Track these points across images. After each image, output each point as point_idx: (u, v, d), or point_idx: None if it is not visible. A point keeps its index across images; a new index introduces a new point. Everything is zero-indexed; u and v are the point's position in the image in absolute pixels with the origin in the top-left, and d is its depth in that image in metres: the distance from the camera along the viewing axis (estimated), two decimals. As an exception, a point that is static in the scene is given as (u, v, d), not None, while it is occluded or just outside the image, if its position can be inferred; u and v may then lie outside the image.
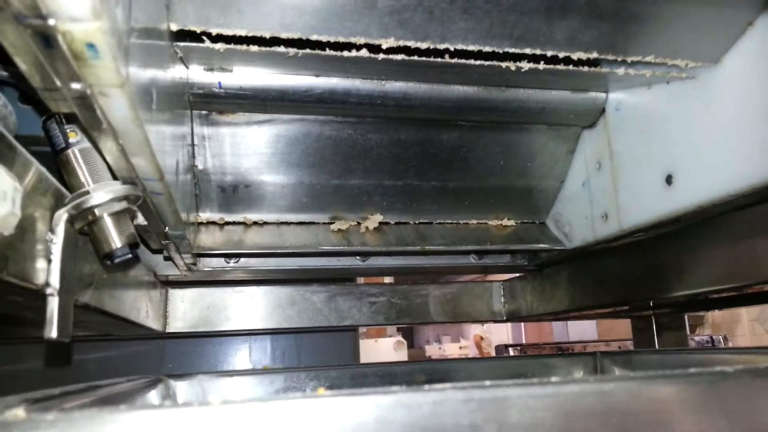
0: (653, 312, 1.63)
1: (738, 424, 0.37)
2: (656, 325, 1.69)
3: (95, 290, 0.75)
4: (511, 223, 1.17)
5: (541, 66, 0.76)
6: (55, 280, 0.55)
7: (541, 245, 1.13)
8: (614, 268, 1.15)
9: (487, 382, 0.35)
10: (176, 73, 0.73)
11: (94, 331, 1.07)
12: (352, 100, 0.85)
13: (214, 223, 1.05)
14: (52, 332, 0.55)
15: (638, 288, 1.10)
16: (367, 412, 0.33)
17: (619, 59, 0.76)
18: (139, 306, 1.06)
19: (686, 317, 1.75)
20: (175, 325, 1.36)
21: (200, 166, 0.95)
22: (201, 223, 1.05)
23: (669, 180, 0.85)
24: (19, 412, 0.31)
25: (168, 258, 1.09)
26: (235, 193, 1.01)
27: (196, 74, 0.80)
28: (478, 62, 0.74)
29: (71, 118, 0.59)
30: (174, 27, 0.63)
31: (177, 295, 1.37)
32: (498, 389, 0.34)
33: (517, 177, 1.09)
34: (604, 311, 1.50)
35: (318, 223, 1.08)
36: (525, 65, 0.75)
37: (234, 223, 1.05)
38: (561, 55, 0.73)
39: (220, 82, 0.80)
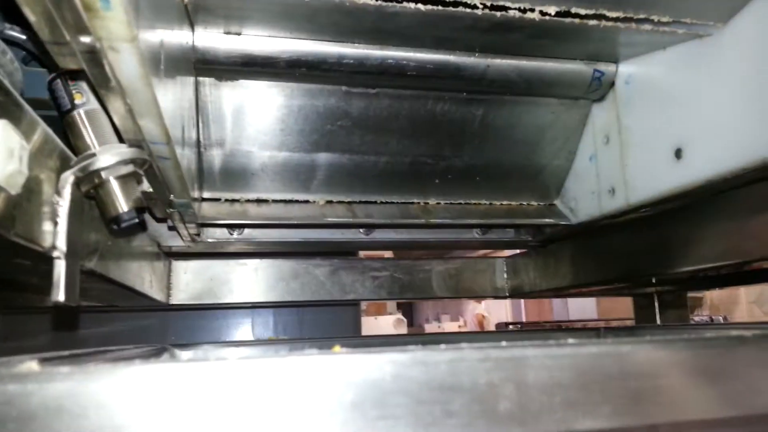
0: (656, 290, 1.63)
1: (756, 387, 0.36)
2: (658, 303, 1.69)
3: (100, 257, 0.75)
4: (518, 204, 1.16)
5: (550, 16, 0.74)
6: (61, 243, 0.55)
7: (546, 220, 1.13)
8: (619, 243, 1.15)
9: (504, 342, 0.34)
10: (182, 37, 0.72)
11: (97, 300, 1.07)
12: (370, 69, 0.84)
13: (217, 199, 1.04)
14: (60, 295, 0.54)
15: (642, 264, 1.10)
16: (384, 368, 0.33)
17: (626, 15, 0.75)
18: (142, 276, 1.06)
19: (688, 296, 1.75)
20: (178, 297, 1.36)
21: (204, 140, 0.94)
22: (205, 198, 1.04)
23: (678, 154, 0.85)
24: (33, 365, 0.31)
25: (172, 228, 1.09)
26: (240, 170, 1.00)
27: (203, 38, 0.78)
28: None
29: (77, 78, 0.58)
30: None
31: (180, 266, 1.37)
32: (515, 349, 0.34)
33: (527, 157, 1.08)
34: (607, 288, 1.50)
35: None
36: (535, 16, 0.73)
37: (238, 200, 1.04)
38: (571, 10, 0.72)
39: (229, 48, 0.78)
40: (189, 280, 1.38)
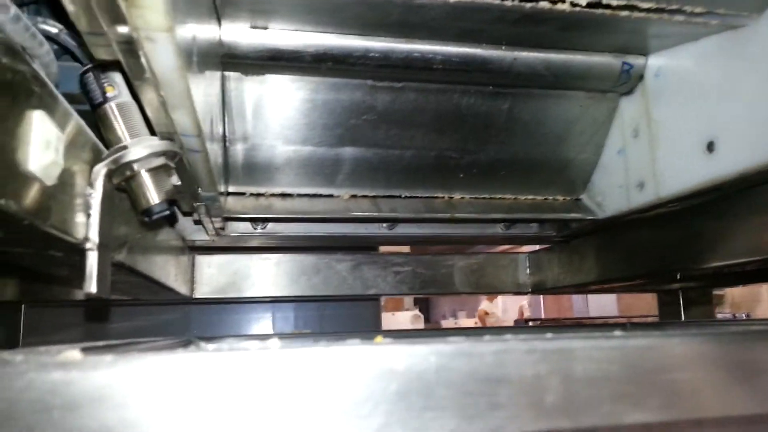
0: (680, 286, 1.61)
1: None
2: (683, 300, 1.67)
3: (129, 250, 0.76)
4: (544, 198, 1.15)
5: (581, 7, 0.72)
6: (94, 235, 0.55)
7: (573, 215, 1.11)
8: (645, 239, 1.14)
9: (549, 334, 0.34)
10: (211, 31, 0.72)
11: (123, 294, 1.08)
12: (395, 63, 0.83)
13: (242, 193, 1.04)
14: (92, 287, 0.55)
15: (670, 259, 1.08)
16: (428, 359, 0.32)
17: (658, 6, 0.73)
18: (168, 269, 1.07)
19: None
20: (202, 290, 1.37)
21: (229, 134, 0.94)
22: (230, 193, 1.04)
23: (710, 147, 0.83)
24: (76, 354, 0.31)
25: (198, 222, 1.10)
26: (265, 164, 1.00)
27: (229, 32, 0.78)
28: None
29: (109, 71, 0.59)
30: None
31: (204, 261, 1.38)
32: (561, 341, 0.33)
33: (554, 151, 1.06)
34: (632, 284, 1.48)
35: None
36: (565, 7, 0.72)
37: (263, 194, 1.04)
38: (602, 1, 0.71)
39: (256, 43, 0.78)
40: (212, 274, 1.39)
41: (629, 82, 0.96)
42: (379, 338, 0.34)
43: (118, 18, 0.37)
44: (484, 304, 7.33)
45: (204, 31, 0.63)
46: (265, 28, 0.80)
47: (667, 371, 0.35)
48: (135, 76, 0.44)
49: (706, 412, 0.35)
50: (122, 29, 0.38)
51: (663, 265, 1.10)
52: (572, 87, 0.97)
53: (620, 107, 1.02)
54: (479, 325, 6.90)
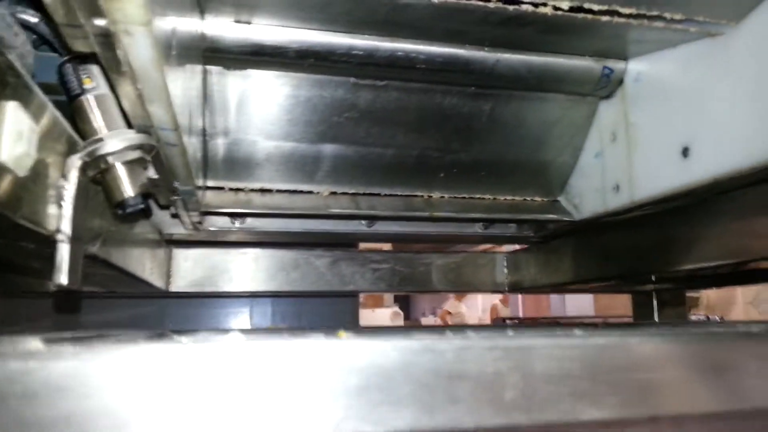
0: (654, 287, 1.64)
1: (762, 381, 0.36)
2: (657, 301, 1.69)
3: (103, 243, 0.75)
4: (522, 199, 1.16)
5: (563, 11, 0.73)
6: (66, 227, 0.54)
7: (550, 216, 1.13)
8: (620, 240, 1.15)
9: (510, 332, 0.34)
10: (193, 24, 0.71)
11: (97, 286, 1.07)
12: (379, 61, 0.83)
13: (221, 188, 1.03)
14: (62, 278, 0.54)
15: (644, 261, 1.10)
16: (390, 355, 0.32)
17: (639, 12, 0.74)
18: (143, 262, 1.06)
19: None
20: (178, 284, 1.36)
21: (210, 128, 0.94)
22: (209, 187, 1.03)
23: (685, 152, 0.84)
24: (38, 343, 0.31)
25: (175, 215, 1.09)
26: (245, 159, 0.99)
27: (212, 26, 0.78)
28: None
29: (87, 63, 0.58)
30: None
31: (180, 254, 1.37)
32: (523, 338, 0.34)
33: (533, 152, 1.07)
34: (607, 285, 1.50)
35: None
36: (548, 10, 0.73)
37: (242, 189, 1.04)
38: (584, 5, 0.72)
39: (238, 37, 0.78)
40: (189, 268, 1.38)
41: (609, 86, 0.97)
42: (341, 333, 0.35)
43: (96, 11, 0.37)
44: (449, 304, 7.21)
45: (185, 24, 0.63)
46: (249, 22, 0.79)
47: (626, 370, 0.35)
48: (112, 68, 0.44)
49: (664, 409, 0.35)
50: (100, 22, 0.38)
51: (637, 266, 1.12)
52: (553, 89, 0.98)
53: (599, 111, 1.03)
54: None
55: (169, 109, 0.53)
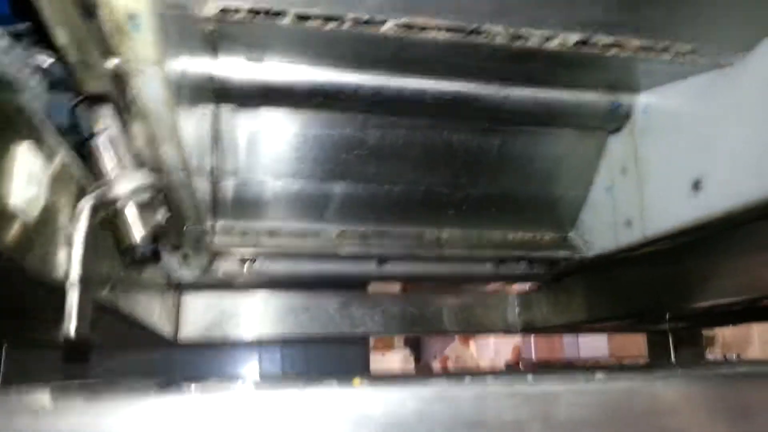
0: (669, 326, 1.61)
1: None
2: (673, 340, 1.66)
3: (111, 288, 0.74)
4: (532, 235, 1.15)
5: (569, 47, 0.74)
6: (75, 272, 0.54)
7: (560, 252, 1.11)
8: (634, 277, 1.13)
9: (530, 377, 0.33)
10: (205, 64, 0.72)
11: (102, 336, 1.05)
12: (387, 98, 0.84)
13: (231, 230, 1.03)
14: (71, 327, 0.53)
15: (657, 298, 1.08)
16: (406, 404, 0.31)
17: (646, 45, 0.75)
18: (152, 308, 1.04)
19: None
20: (186, 330, 1.35)
21: (218, 168, 0.94)
22: (218, 229, 1.03)
23: (697, 185, 0.83)
24: (45, 400, 0.30)
25: (185, 258, 1.08)
26: (254, 199, 0.99)
27: (225, 66, 0.78)
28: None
29: (100, 105, 0.58)
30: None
31: (189, 299, 1.36)
32: (543, 384, 0.32)
33: (543, 187, 1.07)
34: (621, 324, 1.47)
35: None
36: (554, 45, 0.73)
37: (251, 232, 1.03)
38: (591, 39, 0.72)
39: (249, 76, 0.79)
40: (198, 313, 1.36)
41: (617, 119, 0.97)
42: (356, 381, 0.33)
43: (109, 50, 0.37)
44: (450, 348, 6.87)
45: (197, 65, 0.64)
46: (260, 60, 0.80)
47: (651, 414, 0.34)
48: (123, 108, 0.44)
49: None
50: (112, 61, 0.38)
51: (651, 303, 1.10)
52: (561, 124, 0.98)
53: (608, 144, 1.03)
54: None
55: (180, 150, 0.53)
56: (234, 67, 0.78)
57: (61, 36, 0.36)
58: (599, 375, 0.36)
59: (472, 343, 6.93)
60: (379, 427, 0.32)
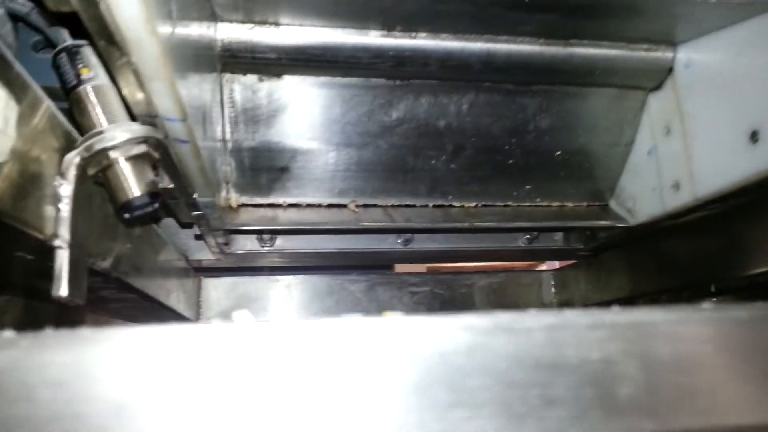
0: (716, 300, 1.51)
1: None
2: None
3: (117, 261, 0.69)
4: (569, 205, 1.06)
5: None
6: (64, 231, 0.48)
7: (601, 222, 1.03)
8: (681, 247, 1.05)
9: (615, 307, 0.25)
10: (207, 28, 0.66)
11: (117, 315, 1.01)
12: (416, 61, 0.78)
13: (246, 204, 0.97)
14: (61, 290, 0.48)
15: (708, 268, 0.99)
16: (456, 338, 0.23)
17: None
18: (168, 289, 1.00)
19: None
20: (209, 315, 1.30)
21: (234, 141, 0.88)
22: (233, 205, 0.97)
23: (754, 137, 0.75)
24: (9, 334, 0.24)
25: (199, 237, 1.03)
26: (273, 172, 0.93)
27: (229, 30, 0.73)
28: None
29: (84, 51, 0.53)
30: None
31: (210, 283, 1.32)
32: (637, 313, 0.25)
33: (579, 153, 0.99)
34: (666, 300, 1.38)
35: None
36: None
37: (270, 205, 0.97)
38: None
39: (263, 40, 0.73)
40: (219, 297, 1.32)
41: (658, 75, 0.89)
42: (387, 313, 0.25)
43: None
44: None
45: (200, 29, 0.58)
46: (277, 24, 0.75)
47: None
48: (98, 34, 0.38)
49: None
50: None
51: (701, 275, 1.01)
52: (597, 83, 0.90)
53: (648, 104, 0.95)
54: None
55: (173, 94, 0.47)
56: (246, 32, 0.73)
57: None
58: (705, 305, 0.28)
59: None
60: (422, 368, 0.24)
